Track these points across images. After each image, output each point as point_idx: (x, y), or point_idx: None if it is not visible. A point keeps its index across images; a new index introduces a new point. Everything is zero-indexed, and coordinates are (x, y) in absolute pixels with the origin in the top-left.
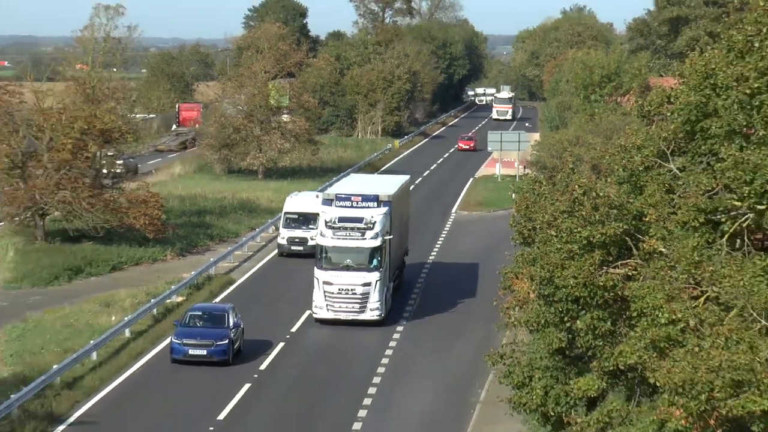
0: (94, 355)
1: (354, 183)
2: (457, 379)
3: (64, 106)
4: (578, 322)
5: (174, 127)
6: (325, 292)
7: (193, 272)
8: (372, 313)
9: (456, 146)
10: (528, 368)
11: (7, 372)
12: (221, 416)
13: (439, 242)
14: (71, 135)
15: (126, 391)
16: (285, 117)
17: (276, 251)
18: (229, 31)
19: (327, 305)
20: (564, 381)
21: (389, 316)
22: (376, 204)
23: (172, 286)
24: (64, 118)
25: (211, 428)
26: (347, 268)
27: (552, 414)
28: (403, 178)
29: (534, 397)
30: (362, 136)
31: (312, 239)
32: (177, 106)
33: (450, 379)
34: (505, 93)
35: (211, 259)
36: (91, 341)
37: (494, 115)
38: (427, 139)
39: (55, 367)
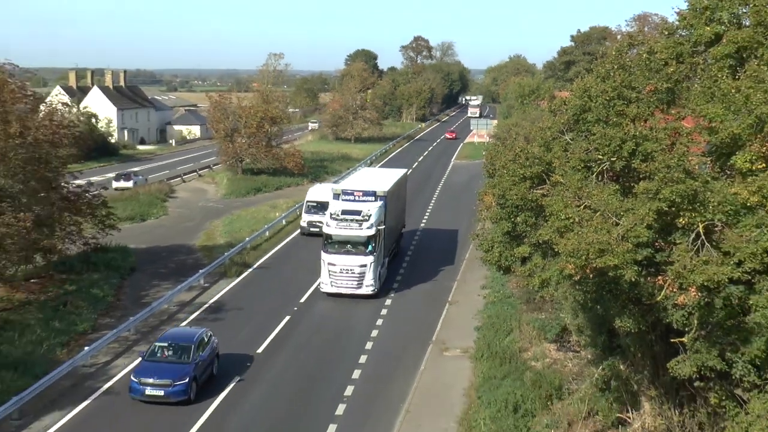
0: (267, 233)
1: (359, 178)
2: (452, 249)
3: (252, 104)
4: (518, 218)
5: None
6: (329, 271)
7: None
8: (367, 289)
9: (444, 135)
10: (491, 241)
11: (223, 240)
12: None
13: (445, 174)
14: (255, 119)
15: (283, 253)
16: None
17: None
18: (337, 65)
19: (331, 282)
20: (510, 248)
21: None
22: (373, 198)
23: (307, 198)
24: (252, 111)
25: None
26: (347, 252)
27: (503, 265)
28: (400, 172)
29: (494, 256)
30: (405, 121)
31: None
32: (326, 102)
33: (448, 249)
34: (476, 101)
35: (328, 183)
36: (265, 225)
37: (469, 114)
38: (438, 123)
39: (246, 238)
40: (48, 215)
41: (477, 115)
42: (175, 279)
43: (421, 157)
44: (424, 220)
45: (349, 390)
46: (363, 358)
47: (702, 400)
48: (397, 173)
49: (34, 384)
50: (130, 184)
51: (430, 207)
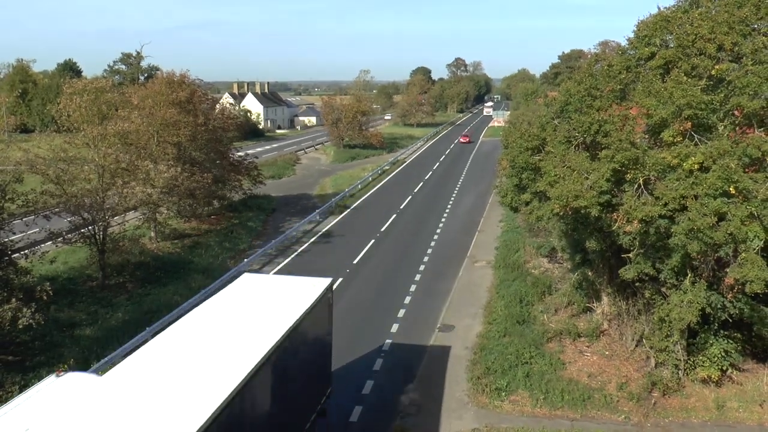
0: (359, 185)
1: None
2: (482, 194)
3: (349, 103)
4: (523, 175)
5: None
6: None
7: (391, 159)
8: None
9: (459, 139)
10: (505, 190)
11: (331, 191)
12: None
13: (477, 145)
14: (351, 112)
15: (369, 198)
16: (422, 105)
17: None
18: (404, 77)
19: None
20: (518, 195)
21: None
22: None
23: (384, 163)
24: (349, 107)
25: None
26: None
27: (513, 206)
28: (313, 295)
29: (507, 200)
30: (449, 113)
31: None
32: (398, 101)
33: (479, 194)
34: (490, 102)
35: (398, 154)
36: (358, 181)
37: (484, 113)
38: (471, 114)
39: (346, 189)
40: (221, 175)
41: (491, 114)
42: (300, 216)
43: (461, 135)
44: (464, 173)
45: (412, 287)
46: (421, 267)
47: (640, 295)
48: (306, 302)
49: (213, 282)
50: None
51: (467, 165)
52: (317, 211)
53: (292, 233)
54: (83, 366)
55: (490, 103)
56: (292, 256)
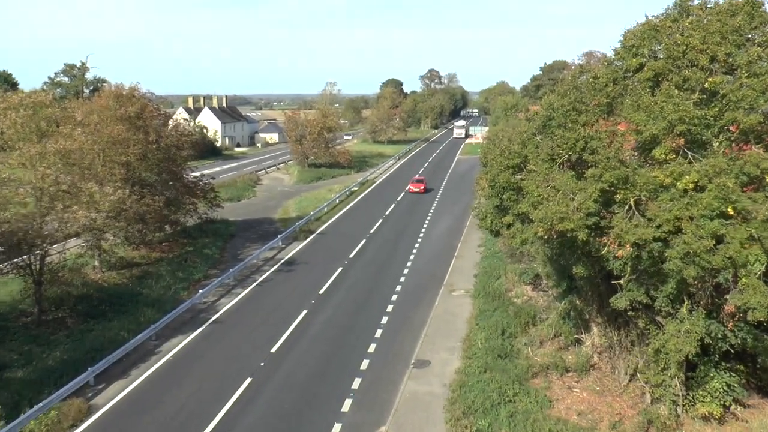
0: (325, 208)
1: None
2: (459, 217)
3: (314, 118)
4: (504, 195)
5: None
6: None
7: (360, 179)
8: None
9: (408, 186)
10: (485, 213)
11: (294, 214)
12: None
13: (452, 164)
14: (317, 128)
15: (336, 222)
16: (395, 121)
17: None
18: (374, 90)
19: None
20: (498, 217)
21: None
22: None
23: (353, 183)
24: (315, 122)
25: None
26: None
27: (493, 230)
28: None
29: (487, 223)
30: (423, 128)
31: None
32: (367, 116)
33: (456, 216)
34: (461, 122)
35: (367, 174)
36: (324, 203)
37: (454, 135)
38: (446, 129)
39: (311, 212)
40: (174, 198)
41: (462, 136)
42: (261, 242)
43: (435, 153)
44: (439, 194)
45: (384, 319)
46: (394, 297)
47: (633, 325)
48: None
49: (165, 316)
50: None
51: (442, 186)
52: (280, 236)
53: (253, 261)
54: (13, 413)
55: (461, 122)
56: (252, 286)
